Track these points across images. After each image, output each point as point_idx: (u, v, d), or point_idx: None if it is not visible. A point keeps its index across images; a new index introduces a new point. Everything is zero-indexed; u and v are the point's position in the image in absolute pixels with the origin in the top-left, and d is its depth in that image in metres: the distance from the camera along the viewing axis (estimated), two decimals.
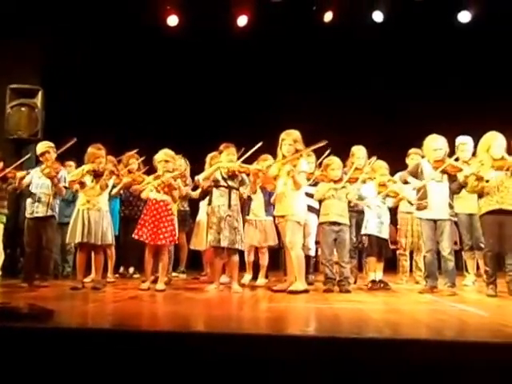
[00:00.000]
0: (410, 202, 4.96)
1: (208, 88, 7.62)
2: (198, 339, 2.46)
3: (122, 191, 5.37)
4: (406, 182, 4.92)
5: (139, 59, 7.51)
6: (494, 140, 4.44)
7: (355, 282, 5.34)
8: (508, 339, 2.38)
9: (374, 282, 4.99)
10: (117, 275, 5.84)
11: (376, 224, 4.97)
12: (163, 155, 4.78)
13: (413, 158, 5.52)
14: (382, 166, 5.07)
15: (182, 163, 5.49)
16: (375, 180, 4.96)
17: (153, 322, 3.16)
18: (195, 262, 6.19)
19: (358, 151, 5.41)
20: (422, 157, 5.03)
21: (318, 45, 7.53)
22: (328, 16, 7.58)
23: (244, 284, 5.15)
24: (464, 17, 7.49)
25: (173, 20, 7.51)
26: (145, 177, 4.94)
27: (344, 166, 5.14)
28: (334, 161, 4.88)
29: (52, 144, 5.08)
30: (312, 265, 5.58)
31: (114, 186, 4.95)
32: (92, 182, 4.66)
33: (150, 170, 5.21)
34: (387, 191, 4.86)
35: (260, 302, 4.09)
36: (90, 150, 4.74)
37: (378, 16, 7.60)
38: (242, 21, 7.61)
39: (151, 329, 2.78)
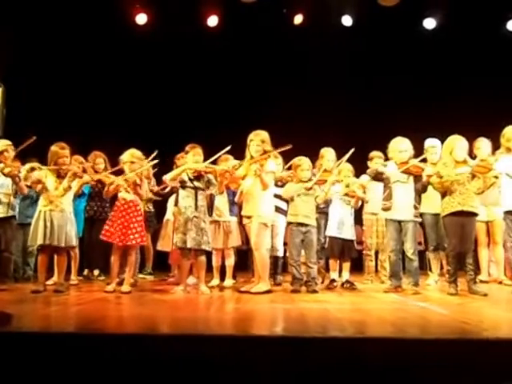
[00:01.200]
0: (363, 200, 5.06)
1: (177, 87, 7.57)
2: (163, 341, 2.44)
3: (88, 191, 5.26)
4: (375, 179, 4.99)
5: (105, 56, 7.40)
6: (457, 143, 4.56)
7: (322, 282, 5.41)
8: (466, 335, 2.45)
9: (333, 281, 5.12)
10: (81, 277, 5.71)
11: (337, 225, 5.05)
12: (129, 156, 4.71)
13: (376, 161, 5.62)
14: (345, 167, 5.14)
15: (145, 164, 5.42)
16: (343, 182, 5.02)
17: (118, 324, 3.11)
18: (162, 263, 6.13)
19: (327, 153, 5.47)
20: (385, 160, 5.13)
21: (288, 46, 7.58)
22: (298, 18, 7.66)
23: (212, 286, 5.15)
24: (429, 23, 7.71)
25: (141, 18, 7.44)
26: (112, 177, 4.85)
27: (313, 167, 5.20)
28: (304, 161, 4.93)
29: (9, 142, 4.93)
30: (280, 265, 5.61)
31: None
32: (55, 182, 4.56)
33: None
34: (347, 191, 4.91)
35: (227, 303, 4.09)
36: (53, 148, 4.63)
37: (347, 20, 7.73)
38: (213, 21, 7.60)
39: (116, 331, 2.73)
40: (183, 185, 4.66)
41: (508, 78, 7.11)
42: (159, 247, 5.72)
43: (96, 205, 5.83)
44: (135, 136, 6.03)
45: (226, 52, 7.51)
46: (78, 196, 5.14)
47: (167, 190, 5.58)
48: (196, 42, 7.43)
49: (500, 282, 5.47)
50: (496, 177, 4.66)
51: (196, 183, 4.65)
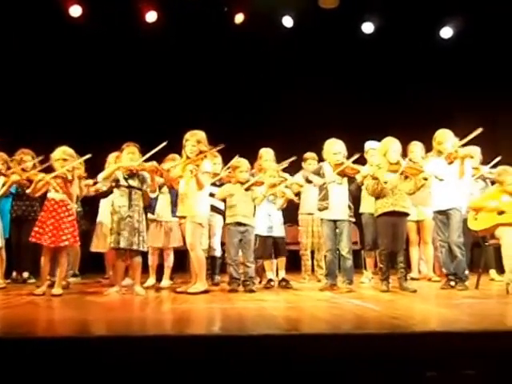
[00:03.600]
0: (293, 200, 5.15)
1: (112, 83, 7.37)
2: (96, 343, 2.36)
3: (15, 190, 5.00)
4: (308, 181, 5.09)
5: (37, 50, 7.08)
6: (391, 145, 4.72)
7: (260, 282, 5.44)
8: (396, 330, 2.54)
9: (270, 280, 5.17)
10: (9, 281, 5.43)
11: (265, 224, 5.11)
12: (61, 153, 4.51)
13: (310, 162, 5.73)
14: (271, 167, 5.19)
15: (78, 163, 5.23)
16: (266, 182, 5.01)
17: (47, 327, 2.98)
18: (97, 265, 5.94)
19: (266, 153, 5.51)
20: (319, 161, 5.23)
21: (228, 45, 7.56)
22: (239, 18, 7.67)
23: (148, 286, 5.04)
24: (367, 28, 7.97)
25: (75, 10, 7.18)
26: (40, 175, 4.62)
27: (252, 168, 5.22)
28: (243, 163, 4.94)
29: None
30: (218, 265, 5.60)
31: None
32: None
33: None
34: (274, 191, 4.97)
35: (163, 304, 4.03)
36: None
37: (287, 21, 7.83)
38: (151, 16, 7.47)
39: (45, 335, 2.61)
40: (117, 184, 4.55)
41: (441, 82, 7.48)
42: (93, 248, 5.53)
43: (24, 204, 5.56)
44: (69, 134, 5.80)
45: (165, 49, 7.38)
46: (5, 196, 4.88)
47: (105, 189, 5.40)
48: (133, 37, 7.27)
49: (429, 279, 5.73)
50: (426, 178, 4.87)
51: (130, 182, 4.55)
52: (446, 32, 8.03)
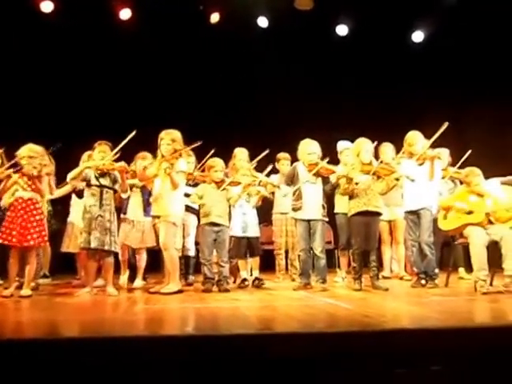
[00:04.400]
0: (268, 197, 5.19)
1: (86, 81, 7.26)
2: (67, 345, 2.32)
3: None
4: (288, 184, 5.10)
5: (7, 46, 6.90)
6: (364, 146, 4.79)
7: (234, 282, 5.44)
8: (367, 327, 2.58)
9: (244, 280, 5.19)
10: None
11: (240, 224, 5.12)
12: (27, 150, 4.39)
13: (283, 163, 5.75)
14: (244, 166, 5.20)
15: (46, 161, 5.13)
16: (242, 182, 5.02)
17: (16, 329, 2.92)
18: (68, 265, 5.83)
19: (240, 153, 5.51)
20: (292, 161, 5.27)
21: (204, 44, 7.52)
22: (214, 17, 7.64)
23: (121, 287, 5.00)
24: (342, 30, 8.05)
25: (47, 6, 7.04)
26: (8, 173, 4.50)
27: (226, 167, 5.22)
28: (218, 162, 4.93)
29: None
30: (192, 265, 5.57)
31: None
32: None
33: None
34: (247, 190, 4.99)
35: (136, 305, 3.99)
36: None
37: (263, 22, 7.84)
38: (125, 14, 7.38)
39: (14, 337, 2.56)
40: (88, 183, 4.49)
41: (412, 85, 7.61)
42: (64, 248, 5.44)
43: None
44: (41, 132, 5.67)
45: (140, 47, 7.29)
46: None
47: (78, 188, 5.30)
48: (107, 34, 7.17)
49: (401, 278, 5.83)
50: (397, 179, 4.96)
51: (102, 181, 4.49)
52: (418, 36, 8.19)
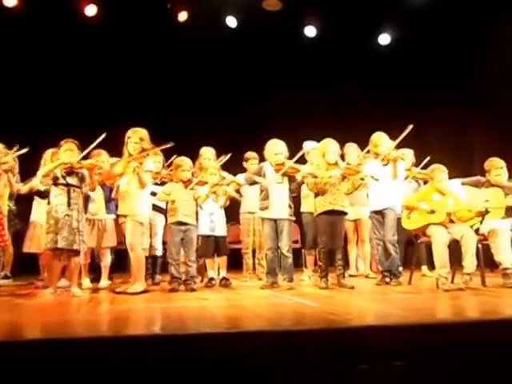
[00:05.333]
0: (236, 197, 5.22)
1: (50, 77, 7.10)
2: (28, 347, 2.27)
3: None
4: (251, 184, 5.12)
5: None
6: (329, 146, 4.85)
7: (202, 281, 5.43)
8: (333, 325, 2.62)
9: (211, 279, 5.20)
10: None
11: (207, 224, 5.12)
12: None
13: (252, 162, 5.78)
14: (211, 166, 5.20)
15: (9, 159, 5.00)
16: (209, 182, 5.00)
17: None
18: (31, 266, 5.69)
19: (207, 152, 5.49)
20: (260, 161, 5.30)
21: (172, 43, 7.45)
22: (183, 16, 7.59)
23: (86, 287, 4.92)
24: (310, 31, 8.12)
25: (10, 1, 6.84)
26: None
27: (193, 167, 5.19)
28: (185, 162, 4.90)
29: None
30: (159, 265, 5.53)
31: None
32: None
33: None
34: (215, 189, 4.99)
35: (101, 305, 3.93)
36: None
37: (231, 21, 7.84)
38: (91, 10, 7.25)
39: None
40: (55, 182, 4.38)
41: (378, 86, 7.76)
42: (26, 249, 5.31)
43: None
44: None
45: (106, 44, 7.19)
46: None
47: (42, 187, 5.17)
48: (72, 31, 7.02)
49: (366, 276, 5.94)
50: (362, 179, 5.04)
51: (69, 180, 4.40)
52: (384, 38, 8.34)
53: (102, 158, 4.69)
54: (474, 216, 4.58)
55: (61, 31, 6.97)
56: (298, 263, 6.01)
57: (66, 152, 4.43)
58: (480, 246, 4.50)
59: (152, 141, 4.61)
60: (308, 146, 5.61)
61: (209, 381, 2.29)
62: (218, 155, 5.43)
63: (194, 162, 5.24)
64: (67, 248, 4.30)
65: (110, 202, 5.07)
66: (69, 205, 4.34)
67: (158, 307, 3.68)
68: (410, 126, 4.70)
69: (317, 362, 2.34)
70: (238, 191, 5.54)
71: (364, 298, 4.13)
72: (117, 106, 7.16)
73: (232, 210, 5.79)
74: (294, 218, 5.03)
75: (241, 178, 5.56)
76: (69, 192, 4.37)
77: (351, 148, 5.77)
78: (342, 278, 4.75)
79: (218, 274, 5.35)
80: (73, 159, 4.38)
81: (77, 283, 4.48)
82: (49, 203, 4.45)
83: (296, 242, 6.30)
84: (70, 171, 4.39)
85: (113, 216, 5.11)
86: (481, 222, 4.56)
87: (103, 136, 4.38)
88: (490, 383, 2.40)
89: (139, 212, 4.43)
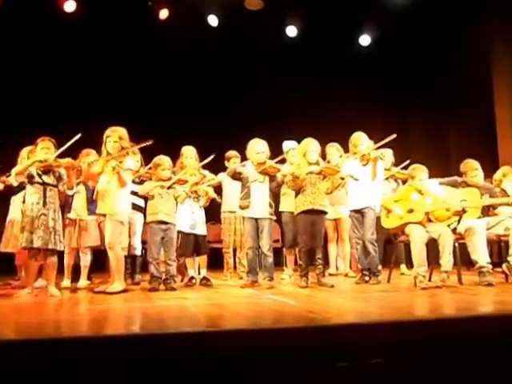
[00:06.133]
0: (215, 199, 5.24)
1: (29, 74, 7.00)
2: (5, 348, 2.23)
3: None
4: (235, 178, 5.11)
5: None
6: (310, 146, 4.87)
7: (182, 280, 5.41)
8: (312, 323, 2.63)
9: (191, 278, 5.19)
10: None
11: (188, 222, 5.10)
12: None
13: (234, 161, 5.78)
14: (191, 165, 5.18)
15: None
16: (189, 180, 4.99)
17: None
18: (7, 266, 5.59)
19: (188, 151, 5.47)
20: (241, 160, 5.30)
21: (153, 40, 7.40)
22: (164, 13, 7.54)
23: (65, 287, 4.86)
24: (291, 31, 8.14)
25: None
26: None
27: (174, 166, 5.17)
28: (165, 161, 4.87)
29: None
30: (139, 264, 5.49)
31: None
32: None
33: None
34: (196, 188, 4.96)
35: (79, 305, 3.88)
36: None
37: (213, 20, 7.81)
38: (70, 6, 7.15)
39: None
40: (31, 180, 4.31)
41: (359, 87, 7.82)
42: (2, 248, 5.22)
43: None
44: None
45: (86, 42, 7.10)
46: None
47: (15, 184, 5.09)
48: (51, 28, 6.92)
49: (346, 275, 5.98)
50: (342, 178, 5.09)
51: (45, 178, 4.33)
52: (365, 39, 8.42)
53: (90, 159, 4.62)
54: (451, 215, 4.65)
55: (39, 27, 6.87)
56: (279, 262, 6.04)
57: (43, 150, 4.36)
58: (457, 244, 4.58)
59: (133, 140, 4.58)
60: (287, 145, 5.63)
61: (189, 380, 2.28)
62: (200, 154, 5.41)
63: (175, 161, 5.22)
64: (43, 247, 4.23)
65: (92, 202, 5.01)
66: (45, 204, 4.28)
67: (137, 307, 3.65)
68: (393, 136, 4.73)
69: (296, 360, 2.35)
70: (218, 192, 5.52)
71: (343, 297, 4.16)
72: (97, 105, 7.09)
73: (213, 210, 5.78)
74: (274, 217, 5.05)
75: (222, 176, 5.56)
76: (45, 191, 4.30)
77: (333, 148, 5.81)
78: (321, 276, 4.78)
79: (199, 273, 5.33)
80: (48, 157, 4.31)
81: (54, 283, 4.41)
82: (24, 202, 4.38)
83: (277, 241, 6.32)
84: (47, 170, 4.32)
85: (94, 217, 5.05)
86: (458, 222, 4.64)
87: (78, 136, 4.33)
88: (466, 378, 2.45)
89: (119, 211, 4.39)
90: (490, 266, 4.45)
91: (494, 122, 7.35)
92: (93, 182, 4.62)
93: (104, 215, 4.46)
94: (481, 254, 4.46)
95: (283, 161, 5.17)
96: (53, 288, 4.34)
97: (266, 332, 2.48)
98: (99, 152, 4.61)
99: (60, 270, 4.71)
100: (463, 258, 4.77)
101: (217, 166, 5.69)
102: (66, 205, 5.03)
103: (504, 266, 4.58)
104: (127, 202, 4.55)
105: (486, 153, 6.14)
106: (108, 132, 4.45)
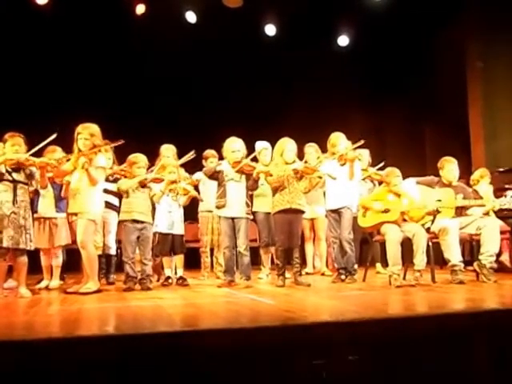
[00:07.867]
0: (197, 197, 5.23)
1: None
2: None
3: None
4: (212, 178, 5.08)
5: None
6: (287, 145, 4.86)
7: (158, 280, 5.35)
8: (289, 322, 2.63)
9: (168, 278, 5.15)
10: None
11: (166, 221, 5.06)
12: None
13: (212, 160, 5.75)
14: (170, 164, 5.14)
15: None
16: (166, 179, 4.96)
17: None
18: None
19: (166, 150, 5.41)
20: (219, 159, 5.27)
21: (127, 36, 7.30)
22: (140, 8, 7.45)
23: (41, 288, 4.77)
24: (270, 30, 8.15)
25: None
26: None
27: (152, 165, 5.12)
28: (140, 158, 4.81)
29: None
30: (113, 264, 5.41)
31: None
32: None
33: None
34: (173, 187, 4.92)
35: (51, 306, 3.79)
36: None
37: (191, 16, 7.76)
38: None
39: None
40: (0, 178, 4.19)
41: (338, 88, 7.87)
42: None
43: None
44: None
45: (59, 36, 6.96)
46: None
47: None
48: (22, 21, 6.77)
49: (322, 274, 6.02)
50: (320, 177, 5.11)
51: (15, 176, 4.22)
52: (343, 40, 8.48)
53: (56, 155, 4.51)
54: (425, 215, 4.72)
55: (9, 20, 6.69)
56: (256, 261, 6.02)
57: (14, 147, 4.24)
58: (430, 243, 4.65)
59: (108, 138, 4.50)
60: (259, 146, 5.63)
61: (164, 380, 2.25)
62: (178, 153, 5.36)
63: (152, 160, 5.16)
64: (14, 247, 4.13)
65: (61, 200, 4.90)
66: (15, 202, 4.17)
67: (111, 307, 3.58)
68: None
69: (273, 358, 2.34)
70: (195, 190, 5.49)
71: (320, 296, 4.17)
72: (70, 101, 6.95)
73: (190, 209, 5.73)
74: (251, 217, 5.04)
75: (198, 176, 5.52)
76: (15, 189, 4.19)
77: (311, 148, 5.83)
78: (298, 275, 4.78)
79: (175, 272, 5.28)
80: (19, 155, 4.19)
81: (25, 284, 4.30)
82: None
83: (253, 240, 6.31)
84: (18, 167, 4.21)
85: (63, 214, 4.94)
86: (432, 222, 4.70)
87: (54, 136, 4.24)
88: (439, 373, 2.48)
89: (90, 210, 4.29)
90: (462, 265, 4.53)
91: (467, 123, 7.49)
92: (60, 179, 4.51)
93: (75, 214, 4.36)
94: (453, 253, 4.54)
95: (255, 160, 5.15)
96: (23, 289, 4.23)
97: (242, 331, 2.47)
98: (67, 149, 4.52)
99: (33, 270, 4.61)
100: (436, 257, 4.84)
101: (194, 165, 5.64)
102: (32, 203, 4.90)
103: (475, 264, 4.67)
104: (99, 200, 4.44)
105: (460, 153, 6.23)
106: (79, 129, 4.33)
